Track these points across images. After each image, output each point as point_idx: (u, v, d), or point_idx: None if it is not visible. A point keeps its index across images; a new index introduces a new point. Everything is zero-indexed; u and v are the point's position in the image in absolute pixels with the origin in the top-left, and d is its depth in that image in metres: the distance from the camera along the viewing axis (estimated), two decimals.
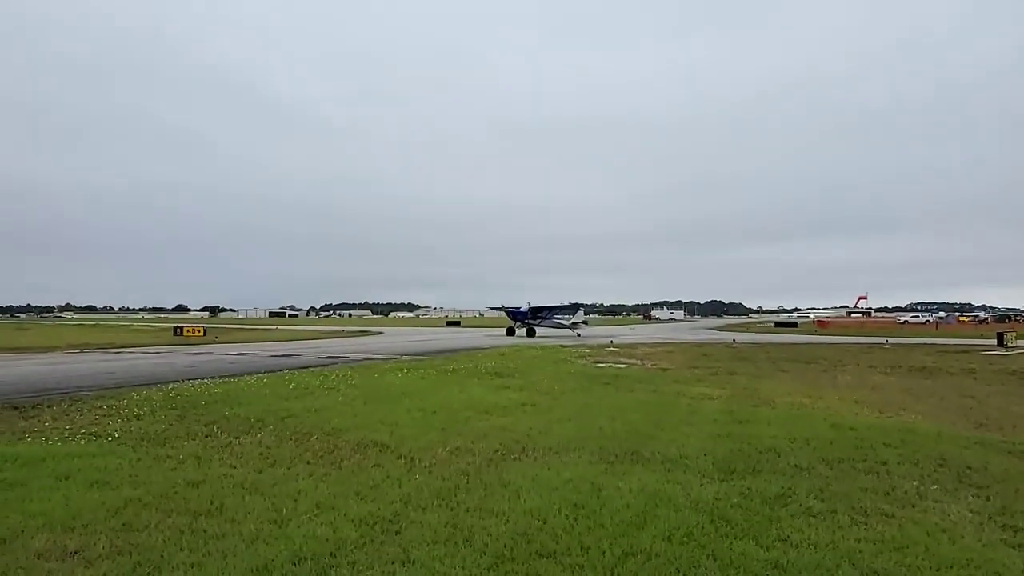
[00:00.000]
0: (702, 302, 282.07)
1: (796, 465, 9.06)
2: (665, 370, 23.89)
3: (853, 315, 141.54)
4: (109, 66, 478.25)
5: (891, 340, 49.47)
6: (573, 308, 64.69)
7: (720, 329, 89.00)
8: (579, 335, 59.22)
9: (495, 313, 73.02)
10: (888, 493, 7.72)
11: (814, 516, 6.78)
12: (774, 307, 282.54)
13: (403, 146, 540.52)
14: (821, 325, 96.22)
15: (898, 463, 9.23)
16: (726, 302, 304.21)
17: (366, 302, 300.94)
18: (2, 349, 36.76)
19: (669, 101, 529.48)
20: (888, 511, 6.99)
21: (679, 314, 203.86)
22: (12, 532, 6.02)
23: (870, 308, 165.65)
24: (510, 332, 60.31)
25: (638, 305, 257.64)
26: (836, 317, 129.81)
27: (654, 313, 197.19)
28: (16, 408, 13.22)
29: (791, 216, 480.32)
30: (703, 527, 6.36)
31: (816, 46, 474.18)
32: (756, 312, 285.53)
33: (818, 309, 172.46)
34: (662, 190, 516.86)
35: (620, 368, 24.50)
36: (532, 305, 61.57)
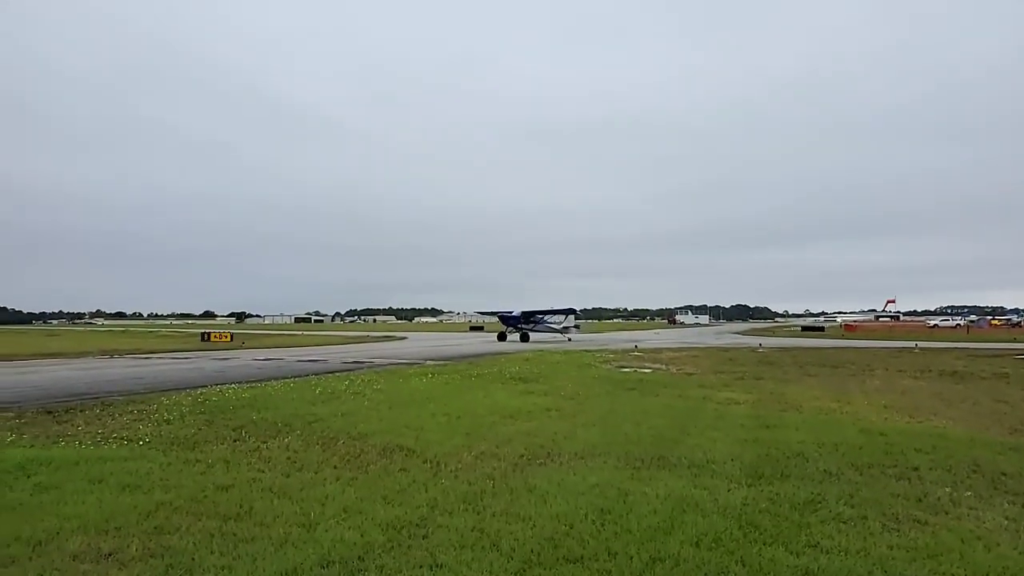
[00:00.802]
0: (727, 306, 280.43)
1: (825, 470, 8.95)
2: (690, 375, 23.73)
3: (881, 319, 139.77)
4: (127, 77, 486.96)
5: (921, 344, 48.71)
6: (567, 312, 63.10)
7: (745, 333, 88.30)
8: (569, 339, 58.27)
9: (486, 318, 70.52)
10: (920, 499, 7.60)
11: (844, 522, 6.70)
12: (800, 311, 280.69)
13: (421, 150, 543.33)
14: (849, 329, 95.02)
15: (930, 469, 9.09)
16: (752, 306, 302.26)
17: (390, 307, 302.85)
18: (36, 354, 37.50)
19: (688, 102, 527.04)
20: (921, 518, 6.88)
21: (704, 318, 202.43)
22: (48, 534, 6.13)
23: (899, 312, 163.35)
24: (501, 337, 58.94)
25: (662, 309, 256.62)
26: (864, 321, 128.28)
27: (679, 317, 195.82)
28: (50, 412, 13.47)
29: (818, 219, 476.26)
30: (731, 533, 6.31)
31: (835, 45, 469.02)
32: (782, 316, 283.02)
33: (845, 313, 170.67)
34: (684, 192, 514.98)
35: (645, 373, 24.38)
36: (524, 310, 60.15)
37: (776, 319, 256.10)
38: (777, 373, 24.53)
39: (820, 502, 7.40)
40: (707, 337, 70.28)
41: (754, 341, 56.61)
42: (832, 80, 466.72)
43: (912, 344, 48.80)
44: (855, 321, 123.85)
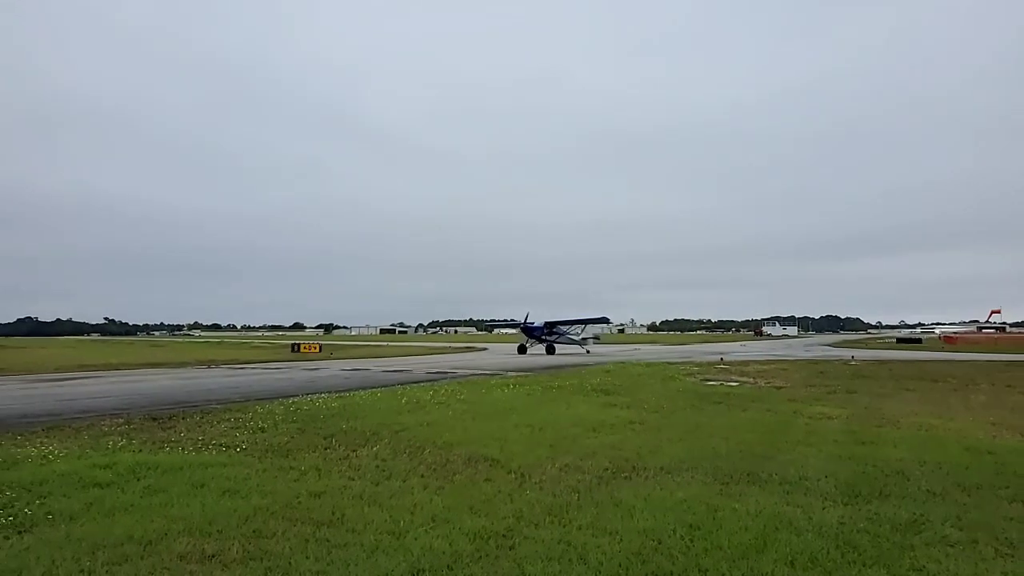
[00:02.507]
0: (816, 317, 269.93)
1: (928, 490, 8.51)
2: (779, 388, 23.00)
3: (985, 330, 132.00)
4: (227, 104, 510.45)
5: None
6: (599, 320, 59.66)
7: (836, 345, 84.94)
8: (588, 351, 55.84)
9: (502, 330, 63.56)
10: None
11: (951, 546, 6.35)
12: (895, 322, 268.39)
13: (500, 164, 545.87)
14: (948, 341, 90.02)
15: None
16: (842, 317, 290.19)
17: (471, 319, 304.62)
18: (141, 364, 39.71)
19: (771, 111, 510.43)
20: None
21: (792, 330, 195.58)
22: (157, 535, 6.48)
23: (1004, 323, 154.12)
24: (521, 350, 56.14)
25: (748, 320, 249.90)
26: (965, 332, 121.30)
27: (765, 329, 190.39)
28: (155, 419, 14.21)
29: (913, 226, 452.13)
30: (828, 552, 6.07)
31: (924, 49, 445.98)
32: (875, 327, 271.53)
33: (944, 324, 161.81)
34: (770, 201, 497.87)
35: (731, 386, 23.78)
36: (548, 320, 56.86)
37: (869, 331, 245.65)
38: (872, 387, 23.49)
39: (924, 523, 7.05)
40: (796, 349, 68.01)
41: (846, 353, 54.36)
42: (925, 85, 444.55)
43: (1021, 357, 45.85)
44: (955, 333, 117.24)
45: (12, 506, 7.40)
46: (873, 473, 9.49)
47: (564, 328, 57.75)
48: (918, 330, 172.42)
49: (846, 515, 7.34)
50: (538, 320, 56.69)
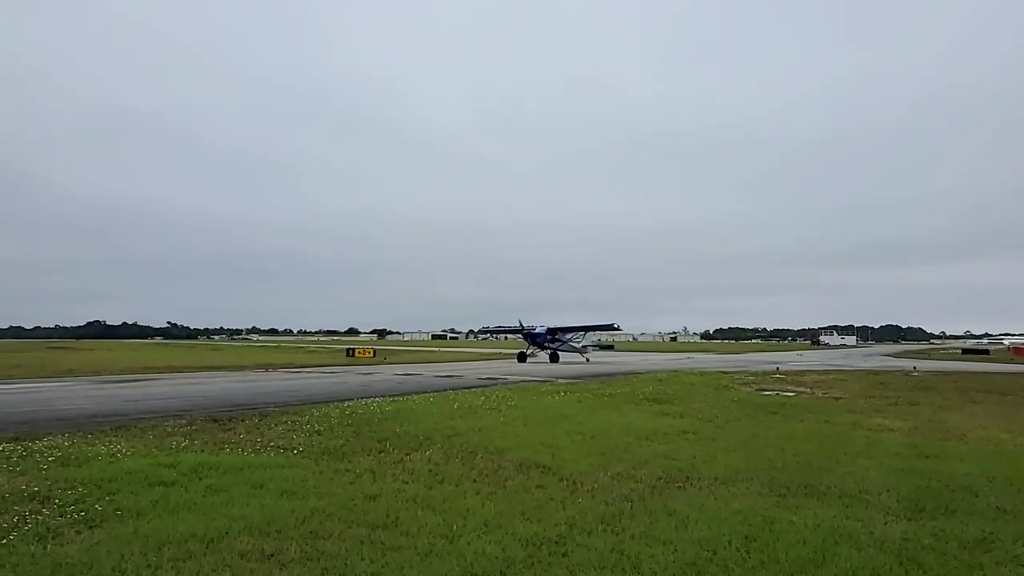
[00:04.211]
0: (876, 326, 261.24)
1: (998, 507, 8.20)
2: (837, 399, 22.40)
3: None
4: (278, 117, 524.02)
5: None
6: (607, 327, 56.95)
7: (897, 356, 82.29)
8: (587, 360, 53.80)
9: (503, 336, 58.95)
10: None
11: None
12: (960, 332, 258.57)
13: (546, 171, 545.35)
14: (1018, 352, 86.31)
15: None
16: (903, 327, 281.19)
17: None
18: (202, 367, 40.88)
19: (825, 116, 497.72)
20: None
21: (851, 339, 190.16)
22: (219, 533, 6.67)
23: None
24: (521, 358, 52.61)
25: (804, 330, 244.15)
26: None
27: (823, 338, 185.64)
28: (216, 421, 14.60)
29: (978, 233, 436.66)
30: (891, 569, 5.91)
31: (972, 50, 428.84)
32: (938, 338, 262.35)
33: (1014, 335, 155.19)
34: (826, 207, 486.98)
35: (788, 396, 23.27)
36: (551, 325, 54.43)
37: (932, 341, 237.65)
38: (935, 399, 22.70)
39: (994, 542, 6.79)
40: (855, 359, 66.17)
41: (908, 364, 52.59)
42: (981, 85, 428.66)
43: None
44: None
45: (84, 501, 7.72)
46: (938, 488, 9.19)
47: (568, 336, 56.14)
48: (985, 341, 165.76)
49: (910, 531, 7.13)
50: (539, 326, 55.00)
